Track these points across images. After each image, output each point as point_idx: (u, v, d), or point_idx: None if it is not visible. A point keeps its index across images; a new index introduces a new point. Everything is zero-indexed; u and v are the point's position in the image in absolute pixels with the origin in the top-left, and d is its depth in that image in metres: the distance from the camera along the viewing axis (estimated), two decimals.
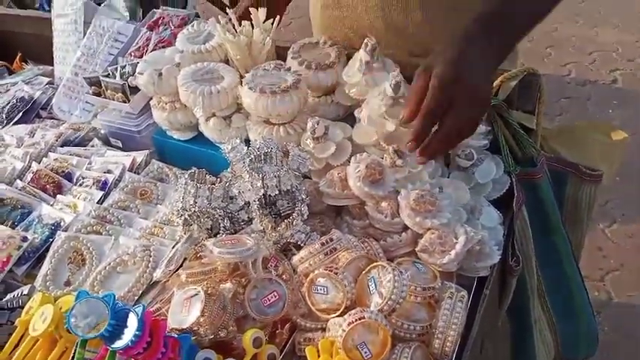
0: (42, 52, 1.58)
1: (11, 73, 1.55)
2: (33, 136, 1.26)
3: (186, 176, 0.95)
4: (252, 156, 0.91)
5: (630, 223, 2.54)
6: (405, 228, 0.89)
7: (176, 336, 0.75)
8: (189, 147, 1.17)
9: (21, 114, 1.34)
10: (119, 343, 0.70)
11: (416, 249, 0.86)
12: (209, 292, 0.78)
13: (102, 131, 1.27)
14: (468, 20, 0.89)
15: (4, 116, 1.33)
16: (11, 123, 1.32)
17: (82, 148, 1.22)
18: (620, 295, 2.22)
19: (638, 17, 4.34)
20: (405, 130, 0.96)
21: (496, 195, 1.01)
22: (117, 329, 0.71)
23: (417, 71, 0.87)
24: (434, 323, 0.76)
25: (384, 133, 0.97)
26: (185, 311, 0.78)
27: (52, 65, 1.52)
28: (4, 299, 0.88)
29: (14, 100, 1.36)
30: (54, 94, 1.39)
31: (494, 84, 1.02)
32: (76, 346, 0.73)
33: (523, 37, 0.93)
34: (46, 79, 1.45)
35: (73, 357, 0.74)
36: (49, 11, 2.35)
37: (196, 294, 0.79)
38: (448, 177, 1.01)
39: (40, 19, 1.59)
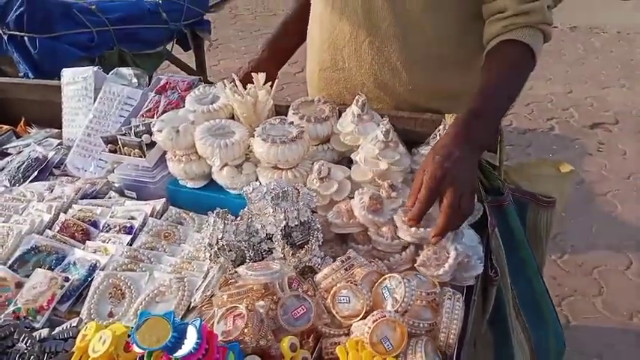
0: (45, 117, 1.72)
1: (17, 136, 1.66)
2: (52, 192, 1.37)
3: (214, 215, 1.09)
4: (273, 194, 1.07)
5: (578, 254, 2.81)
6: (404, 248, 1.07)
7: (225, 345, 0.88)
8: (202, 193, 1.32)
9: (36, 172, 1.45)
10: (181, 352, 0.83)
11: (415, 264, 1.04)
12: (249, 308, 0.92)
13: (115, 184, 1.40)
14: (457, 120, 1.12)
15: (20, 175, 1.44)
16: (27, 181, 1.43)
17: (101, 199, 1.35)
18: (576, 318, 2.44)
19: (567, 72, 4.87)
20: (394, 168, 1.16)
21: (473, 220, 1.20)
22: (178, 341, 0.84)
23: (416, 173, 1.06)
24: (438, 321, 0.93)
25: (378, 171, 1.16)
26: (230, 325, 0.91)
27: (57, 128, 1.65)
28: (55, 331, 0.98)
29: (29, 160, 1.47)
30: (66, 154, 1.51)
31: None
32: (142, 358, 0.85)
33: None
34: (56, 141, 1.57)
35: None
36: (34, 78, 2.51)
37: (237, 311, 0.93)
38: None
39: (45, 86, 1.73)
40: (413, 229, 1.03)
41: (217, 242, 1.08)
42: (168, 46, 3.63)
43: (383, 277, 0.96)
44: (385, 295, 0.94)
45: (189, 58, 3.98)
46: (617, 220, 3.05)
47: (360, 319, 0.92)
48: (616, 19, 6.05)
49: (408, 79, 1.36)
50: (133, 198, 1.37)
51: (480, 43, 1.29)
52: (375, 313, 0.89)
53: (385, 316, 0.87)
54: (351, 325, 0.93)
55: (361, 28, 1.34)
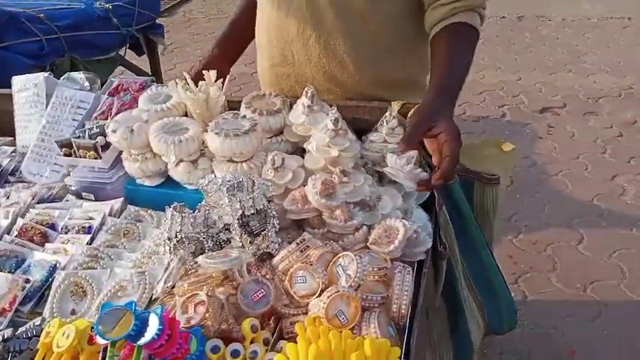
0: None
1: None
2: (8, 198, 1.37)
3: (171, 209, 1.12)
4: (228, 185, 1.11)
5: (532, 232, 2.94)
6: (357, 229, 1.12)
7: (188, 330, 0.91)
8: (160, 191, 1.34)
9: None
10: (144, 339, 0.86)
11: (367, 243, 1.09)
12: (209, 294, 0.96)
13: (73, 187, 1.41)
14: (433, 91, 1.26)
15: None
16: None
17: (59, 203, 1.35)
18: (532, 294, 2.56)
19: (516, 60, 5.04)
20: (344, 154, 1.21)
21: (421, 200, 1.27)
22: (140, 329, 0.87)
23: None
24: (390, 294, 0.99)
25: (329, 158, 1.21)
26: (191, 311, 0.95)
27: (9, 136, 1.64)
28: (19, 331, 0.99)
29: None
30: (20, 161, 1.50)
31: (409, 114, 1.30)
32: (105, 350, 0.87)
33: None
34: (10, 148, 1.56)
35: (103, 359, 0.88)
36: None
37: (197, 299, 0.96)
38: None
39: None
40: (317, 196, 1.10)
41: (176, 235, 1.10)
42: (122, 52, 3.60)
43: (337, 256, 1.01)
44: (339, 273, 0.99)
45: (143, 62, 3.96)
46: (568, 198, 3.20)
47: (317, 297, 0.97)
48: (561, 8, 6.30)
49: (354, 70, 1.42)
50: (90, 200, 1.38)
51: (421, 32, 1.36)
52: (329, 289, 0.94)
53: (339, 292, 0.92)
54: (309, 304, 0.98)
55: (307, 24, 1.40)
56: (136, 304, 0.89)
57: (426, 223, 1.19)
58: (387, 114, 1.30)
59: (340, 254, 1.01)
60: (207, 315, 0.93)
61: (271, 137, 1.36)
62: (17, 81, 1.60)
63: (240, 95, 1.44)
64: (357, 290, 0.96)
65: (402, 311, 0.97)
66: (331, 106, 1.30)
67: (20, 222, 1.25)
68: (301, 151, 1.33)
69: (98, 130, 1.38)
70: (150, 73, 3.99)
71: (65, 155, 1.39)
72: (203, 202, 1.18)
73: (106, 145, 1.37)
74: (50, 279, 1.11)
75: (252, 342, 0.94)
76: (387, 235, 1.07)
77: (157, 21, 3.79)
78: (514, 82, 4.66)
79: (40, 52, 2.80)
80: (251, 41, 1.68)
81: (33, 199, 1.35)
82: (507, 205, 2.96)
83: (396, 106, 1.33)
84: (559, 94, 4.45)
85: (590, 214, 3.04)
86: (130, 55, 3.71)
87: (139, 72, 3.94)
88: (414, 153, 1.16)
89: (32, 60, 2.72)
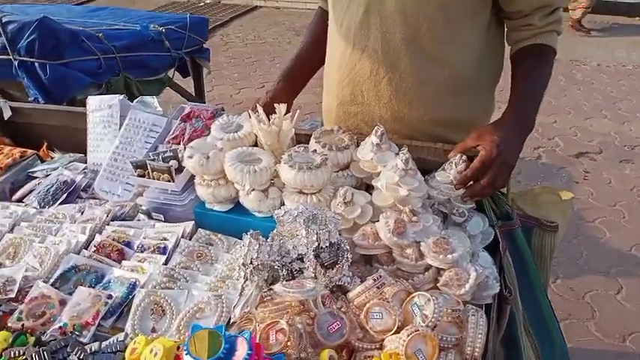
0: (66, 142, 1.78)
1: (41, 160, 1.72)
2: (82, 214, 1.44)
3: (249, 236, 1.17)
4: (305, 217, 1.15)
5: (570, 279, 2.91)
6: (426, 269, 1.15)
7: (271, 357, 0.94)
8: (229, 217, 1.39)
9: (65, 195, 1.51)
10: None
11: (438, 284, 1.12)
12: (289, 323, 0.99)
13: (143, 207, 1.47)
14: (510, 111, 1.38)
15: (49, 197, 1.50)
16: (57, 203, 1.49)
17: (132, 221, 1.41)
18: (571, 341, 2.52)
19: (551, 102, 5.06)
20: (413, 194, 1.25)
21: (485, 244, 1.29)
22: (229, 352, 0.90)
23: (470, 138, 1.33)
24: (464, 335, 1.01)
25: (399, 197, 1.25)
26: (272, 339, 0.98)
27: (77, 153, 1.72)
28: (103, 345, 1.03)
29: (58, 183, 1.53)
30: (92, 178, 1.57)
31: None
32: None
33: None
34: (82, 165, 1.63)
35: None
36: (44, 103, 2.56)
37: (277, 326, 1.00)
38: None
39: (67, 112, 1.80)
40: (441, 256, 1.11)
41: (252, 262, 1.15)
42: (170, 73, 3.72)
43: (412, 295, 1.04)
44: (415, 312, 1.02)
45: (186, 84, 4.07)
46: (605, 246, 3.17)
47: (393, 334, 0.99)
48: (596, 54, 6.33)
49: (423, 111, 1.48)
50: (160, 220, 1.44)
51: (490, 76, 1.42)
52: (408, 327, 0.96)
53: (418, 330, 0.95)
54: (384, 339, 1.01)
55: (381, 66, 1.46)
56: (225, 328, 0.93)
57: (491, 267, 1.22)
58: (457, 157, 1.34)
59: (416, 293, 1.04)
60: (288, 343, 0.96)
61: (338, 171, 1.40)
62: (92, 101, 1.68)
63: (306, 128, 1.49)
64: (433, 330, 0.99)
65: (476, 353, 0.99)
66: (400, 146, 1.35)
67: (98, 238, 1.31)
68: (365, 187, 1.37)
69: (171, 153, 1.45)
70: (193, 95, 4.11)
71: (139, 176, 1.45)
72: (275, 231, 1.23)
73: (179, 169, 1.43)
74: (130, 296, 1.15)
75: None
76: (458, 279, 1.10)
77: (203, 45, 3.91)
78: (549, 124, 4.68)
79: (98, 70, 2.91)
80: (314, 75, 1.75)
81: (107, 215, 1.40)
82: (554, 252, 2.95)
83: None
84: (595, 139, 4.45)
85: (628, 264, 3.01)
86: (175, 77, 3.82)
87: (183, 93, 4.06)
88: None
89: (90, 77, 2.83)
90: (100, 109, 1.66)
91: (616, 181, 3.85)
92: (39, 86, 2.62)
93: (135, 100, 1.67)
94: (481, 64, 1.49)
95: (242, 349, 0.90)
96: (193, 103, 1.68)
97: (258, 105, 1.49)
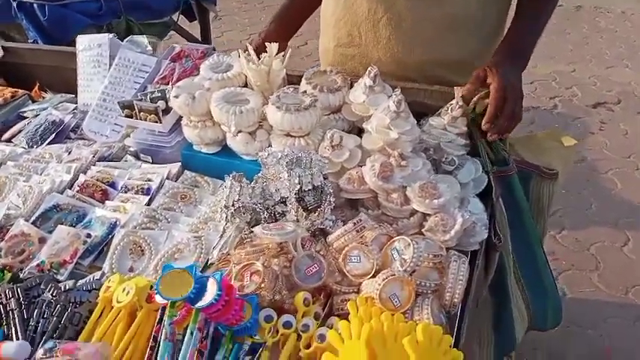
0: (59, 82, 1.75)
1: (33, 100, 1.70)
2: (69, 154, 1.42)
3: (230, 178, 1.14)
4: (288, 159, 1.12)
5: (577, 230, 2.86)
6: (412, 214, 1.12)
7: (244, 298, 0.93)
8: (217, 159, 1.36)
9: (54, 135, 1.49)
10: (202, 303, 0.88)
11: (423, 229, 1.08)
12: (265, 264, 0.98)
13: (131, 148, 1.44)
14: (503, 45, 1.34)
15: (38, 137, 1.48)
16: (45, 143, 1.47)
17: (118, 162, 1.39)
18: (573, 291, 2.51)
19: (571, 51, 4.86)
20: (404, 137, 1.20)
21: (477, 191, 1.25)
22: (199, 292, 0.89)
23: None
24: (444, 281, 0.98)
25: (388, 140, 1.20)
26: (247, 280, 0.97)
27: (70, 93, 1.68)
28: (79, 282, 1.03)
29: (46, 123, 1.51)
30: (82, 118, 1.55)
31: (472, 100, 1.27)
32: (163, 310, 0.90)
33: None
34: (72, 105, 1.60)
35: (160, 319, 0.91)
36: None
37: (253, 267, 0.98)
38: None
39: (59, 52, 1.76)
40: (427, 200, 1.07)
41: (233, 204, 1.12)
42: (174, 16, 3.62)
43: (392, 239, 1.01)
44: (394, 256, 0.99)
45: (193, 28, 3.97)
46: (616, 197, 3.10)
47: (370, 278, 0.97)
48: (620, 2, 6.01)
49: (422, 52, 1.41)
50: (148, 162, 1.42)
51: (492, 12, 1.38)
52: (385, 271, 0.94)
53: (394, 275, 0.92)
54: (361, 283, 0.98)
55: (379, 5, 1.39)
56: (195, 268, 0.92)
57: (481, 213, 1.17)
58: (454, 101, 1.27)
59: (396, 238, 1.01)
60: (262, 285, 0.95)
61: (329, 114, 1.35)
62: (81, 40, 1.63)
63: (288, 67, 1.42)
64: (412, 275, 0.96)
65: (455, 300, 0.97)
66: (394, 88, 1.28)
67: (82, 178, 1.29)
68: (357, 131, 1.33)
69: (159, 94, 1.41)
70: (199, 39, 4.02)
71: (126, 117, 1.42)
72: (260, 174, 1.20)
73: (167, 110, 1.39)
74: (110, 235, 1.15)
75: (304, 315, 0.96)
76: (444, 224, 1.06)
77: None
78: (568, 73, 4.50)
79: (98, 11, 2.83)
80: (307, 17, 1.68)
81: (94, 156, 1.38)
82: (552, 200, 2.89)
83: (459, 91, 1.31)
84: (614, 89, 4.28)
85: (637, 216, 2.94)
86: (181, 21, 3.72)
87: (189, 37, 3.97)
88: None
89: (90, 19, 2.75)
90: (89, 48, 1.62)
91: (632, 133, 3.72)
92: (38, 28, 2.57)
93: (125, 40, 1.62)
94: (484, 2, 1.40)
95: (212, 289, 0.89)
96: (190, 43, 1.62)
97: (248, 45, 1.43)
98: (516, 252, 1.33)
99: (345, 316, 0.95)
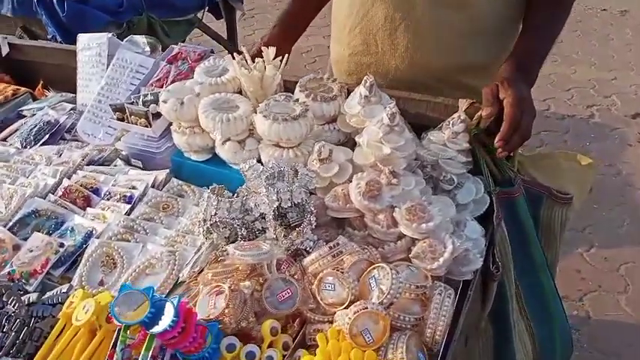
0: (63, 81, 1.72)
1: (35, 99, 1.68)
2: (60, 156, 1.38)
3: (209, 191, 1.08)
4: (268, 174, 1.05)
5: (606, 248, 2.70)
6: (400, 237, 1.03)
7: (205, 324, 0.87)
8: (205, 167, 1.30)
9: (47, 136, 1.46)
10: (157, 329, 0.82)
11: (409, 255, 1.00)
12: (232, 288, 0.91)
13: (123, 152, 1.40)
14: (510, 61, 1.24)
15: (32, 137, 1.46)
16: (38, 144, 1.45)
17: (106, 167, 1.35)
18: (598, 314, 2.36)
19: (613, 57, 4.62)
20: (397, 153, 1.11)
21: (478, 213, 1.15)
22: (155, 317, 0.83)
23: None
24: (426, 316, 0.89)
25: (380, 155, 1.12)
26: (211, 304, 0.90)
27: (74, 93, 1.65)
28: (45, 296, 0.99)
29: (41, 124, 1.48)
30: (78, 119, 1.51)
31: (476, 115, 1.17)
32: (119, 332, 0.85)
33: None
34: (70, 105, 1.58)
35: (114, 342, 0.85)
36: (61, 42, 2.52)
37: (221, 290, 0.91)
38: None
39: (65, 50, 1.73)
40: (414, 224, 0.98)
41: (210, 218, 1.06)
42: (200, 14, 3.60)
43: (372, 267, 0.93)
44: (372, 286, 0.91)
45: (221, 27, 3.95)
46: None
47: (344, 308, 0.89)
48: None
49: (441, 58, 1.35)
50: (138, 167, 1.37)
51: (510, 15, 1.32)
52: (357, 303, 0.86)
53: (367, 308, 0.84)
54: (335, 313, 0.91)
55: (396, 12, 1.32)
56: (154, 290, 0.86)
57: (479, 238, 1.08)
58: (455, 115, 1.18)
59: (375, 265, 0.93)
60: (226, 311, 0.88)
61: (323, 125, 1.28)
62: (82, 39, 1.61)
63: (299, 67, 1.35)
64: (390, 308, 0.88)
65: (437, 337, 0.88)
66: (391, 98, 1.20)
67: (66, 183, 1.25)
68: (353, 144, 1.24)
69: (152, 97, 1.36)
70: (226, 38, 3.99)
71: (118, 120, 1.38)
72: (243, 187, 1.13)
73: (158, 114, 1.34)
74: (84, 245, 1.10)
75: (270, 346, 0.89)
76: (432, 251, 0.97)
77: None
78: (607, 81, 4.27)
79: (118, 8, 2.83)
80: (313, 19, 1.61)
81: (83, 159, 1.35)
82: (582, 215, 2.73)
83: (463, 105, 1.21)
84: None
85: None
86: (208, 19, 3.70)
87: (215, 36, 3.95)
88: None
89: (110, 16, 2.75)
90: (88, 47, 1.59)
91: None
92: (57, 24, 2.58)
93: (124, 39, 1.58)
94: (503, 5, 1.31)
95: (168, 314, 0.83)
96: (189, 44, 1.57)
97: (244, 48, 1.37)
98: (520, 279, 1.22)
99: (316, 348, 0.87)
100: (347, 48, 1.47)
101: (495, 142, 1.11)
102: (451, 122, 1.18)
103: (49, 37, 2.61)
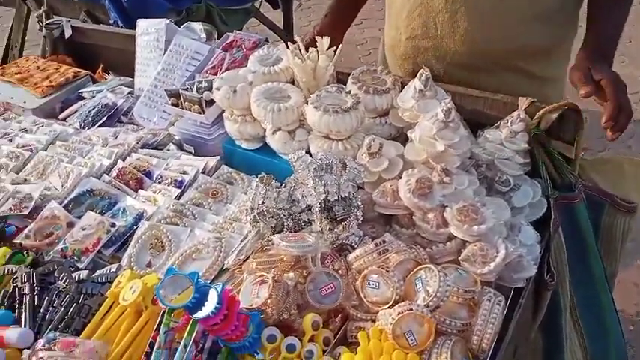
0: (123, 65, 1.76)
1: (94, 81, 1.73)
2: (116, 138, 1.42)
3: (257, 180, 1.07)
4: (316, 165, 1.03)
5: None
6: (449, 238, 1.00)
7: (247, 313, 0.86)
8: (255, 156, 1.30)
9: (105, 118, 1.51)
10: (200, 314, 0.82)
11: (459, 258, 0.96)
12: (275, 278, 0.90)
13: (176, 137, 1.42)
14: (588, 48, 1.25)
15: (90, 119, 1.50)
16: (96, 125, 1.49)
17: (160, 151, 1.37)
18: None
19: None
20: (451, 151, 1.07)
21: (534, 218, 1.10)
22: (199, 302, 0.83)
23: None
24: (473, 322, 0.86)
25: (433, 152, 1.08)
26: (254, 293, 0.90)
27: (132, 77, 1.69)
28: (95, 274, 1.02)
29: (99, 106, 1.53)
30: (134, 103, 1.55)
31: (537, 115, 1.12)
32: (163, 314, 0.86)
33: None
34: (127, 89, 1.61)
35: (159, 324, 0.86)
36: (122, 27, 2.59)
37: (265, 280, 0.91)
38: None
39: (125, 35, 1.77)
40: (466, 226, 0.95)
41: (258, 207, 1.06)
42: (257, 3, 3.62)
43: (418, 267, 0.90)
44: (418, 287, 0.88)
45: (277, 17, 3.96)
46: None
47: (388, 307, 0.87)
48: None
49: (501, 41, 1.31)
50: (190, 153, 1.39)
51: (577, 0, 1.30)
52: (402, 304, 0.83)
53: (412, 309, 0.82)
54: (379, 311, 0.89)
55: None
56: (199, 276, 0.86)
57: (534, 244, 1.03)
58: (515, 114, 1.13)
59: (422, 266, 0.90)
60: (269, 301, 0.88)
61: (375, 118, 1.25)
62: (141, 24, 1.64)
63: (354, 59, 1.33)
64: (435, 311, 0.85)
65: (484, 344, 0.84)
66: (447, 93, 1.16)
67: (120, 164, 1.28)
68: (405, 139, 1.21)
69: (206, 84, 1.37)
70: (282, 28, 4.00)
71: (172, 105, 1.40)
72: (291, 178, 1.13)
73: (211, 101, 1.35)
74: (135, 227, 1.12)
75: (310, 339, 0.88)
76: (483, 255, 0.93)
77: None
78: None
79: None
80: (363, 6, 1.60)
81: (138, 143, 1.38)
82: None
83: (523, 103, 1.16)
84: None
85: None
86: (265, 8, 3.71)
87: (271, 25, 3.96)
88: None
89: (169, 3, 2.80)
90: (147, 32, 1.62)
91: None
92: (119, 9, 2.64)
93: (182, 26, 1.60)
94: None
95: (212, 300, 0.83)
96: (244, 32, 1.58)
97: (298, 38, 1.35)
98: (576, 291, 1.16)
99: (357, 346, 0.86)
100: (405, 32, 1.42)
101: (603, 123, 1.11)
102: (510, 121, 1.13)
103: (112, 22, 2.67)
